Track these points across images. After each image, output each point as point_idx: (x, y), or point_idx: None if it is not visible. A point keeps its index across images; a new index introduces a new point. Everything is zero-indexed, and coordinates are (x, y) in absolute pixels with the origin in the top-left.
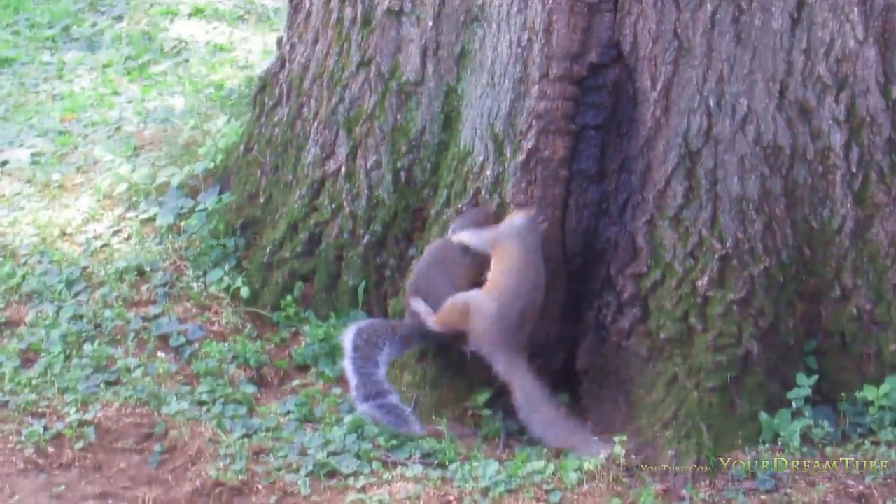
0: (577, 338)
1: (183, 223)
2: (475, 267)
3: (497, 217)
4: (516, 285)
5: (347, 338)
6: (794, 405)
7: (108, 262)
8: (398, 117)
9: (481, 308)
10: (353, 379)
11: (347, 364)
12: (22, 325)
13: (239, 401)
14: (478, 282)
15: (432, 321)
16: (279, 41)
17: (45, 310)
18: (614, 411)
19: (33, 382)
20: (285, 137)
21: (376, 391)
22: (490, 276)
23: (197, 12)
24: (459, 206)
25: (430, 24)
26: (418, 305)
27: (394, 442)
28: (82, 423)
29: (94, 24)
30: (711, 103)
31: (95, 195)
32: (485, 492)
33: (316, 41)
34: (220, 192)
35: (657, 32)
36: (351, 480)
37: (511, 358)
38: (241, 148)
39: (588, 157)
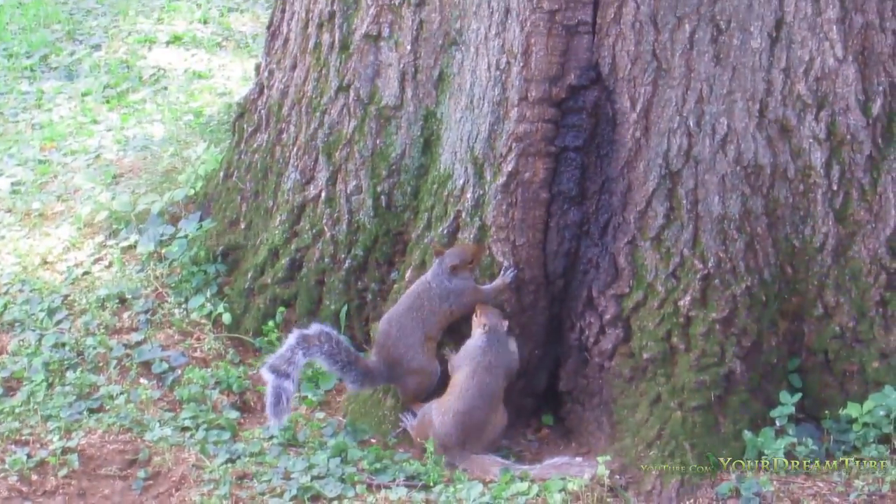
0: (559, 359)
1: (164, 250)
2: (449, 315)
3: (480, 254)
4: (456, 405)
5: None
6: (777, 423)
7: (89, 289)
8: (377, 142)
9: (426, 419)
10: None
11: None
12: (4, 354)
13: (222, 426)
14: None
15: (413, 434)
16: (257, 67)
17: (28, 338)
18: (598, 432)
19: (16, 410)
20: (265, 163)
21: (286, 371)
22: (448, 388)
23: (175, 40)
24: (441, 229)
25: (409, 48)
26: (407, 421)
27: (377, 465)
28: (66, 451)
29: (72, 53)
30: (691, 123)
31: (76, 223)
32: None
33: (294, 67)
34: (201, 219)
35: (636, 53)
36: None
37: (460, 455)
38: (221, 174)
39: (568, 179)
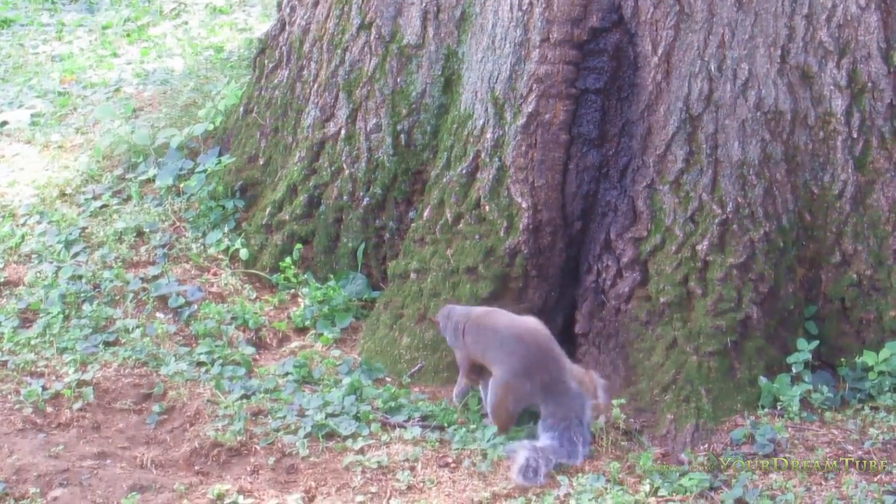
0: (576, 301)
1: (182, 185)
2: None
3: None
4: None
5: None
6: (793, 370)
7: (107, 222)
8: (398, 80)
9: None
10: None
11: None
12: (21, 285)
13: (237, 362)
14: None
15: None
16: (279, 3)
17: (44, 270)
18: (613, 375)
19: (32, 342)
20: (285, 100)
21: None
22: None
23: None
24: (460, 169)
25: None
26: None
27: (392, 404)
28: (81, 384)
29: None
30: (712, 68)
31: (95, 156)
32: (483, 454)
33: (316, 4)
34: (220, 154)
35: None
36: (349, 442)
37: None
38: (241, 110)
39: (588, 121)
